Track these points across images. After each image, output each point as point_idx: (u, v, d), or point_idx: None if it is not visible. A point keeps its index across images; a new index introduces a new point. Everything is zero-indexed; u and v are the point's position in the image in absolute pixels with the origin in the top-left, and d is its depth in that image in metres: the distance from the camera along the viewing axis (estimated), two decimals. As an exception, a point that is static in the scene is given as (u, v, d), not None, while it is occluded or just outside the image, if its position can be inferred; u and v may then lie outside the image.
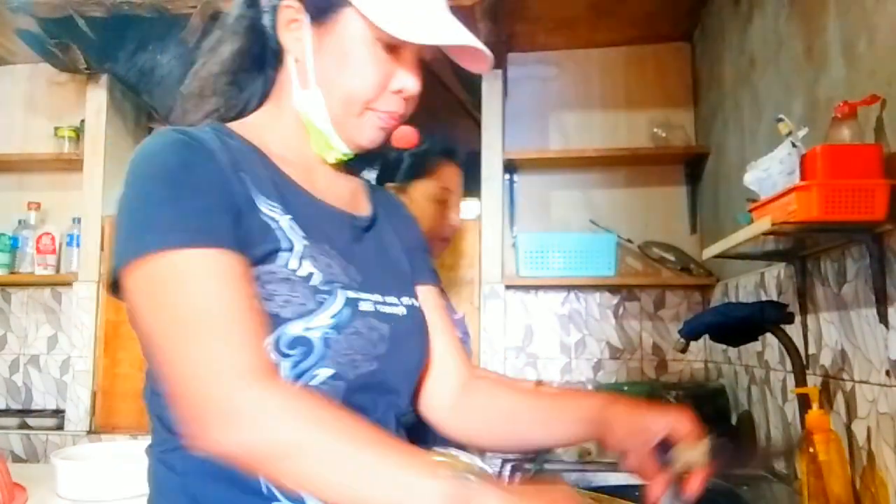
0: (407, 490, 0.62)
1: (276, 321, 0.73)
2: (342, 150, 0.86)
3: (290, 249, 0.76)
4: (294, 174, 0.84)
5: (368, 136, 0.84)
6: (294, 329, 0.73)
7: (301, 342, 0.74)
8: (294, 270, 0.75)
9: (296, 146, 0.86)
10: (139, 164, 0.75)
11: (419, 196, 1.64)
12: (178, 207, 0.71)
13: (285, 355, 0.73)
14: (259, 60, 0.88)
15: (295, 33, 0.83)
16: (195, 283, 0.68)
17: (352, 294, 0.79)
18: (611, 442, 0.82)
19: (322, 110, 0.83)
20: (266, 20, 0.85)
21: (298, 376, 0.74)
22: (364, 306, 0.80)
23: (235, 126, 0.84)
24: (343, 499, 0.64)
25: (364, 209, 0.93)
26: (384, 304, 0.84)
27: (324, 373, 0.75)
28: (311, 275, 0.76)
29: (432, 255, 1.72)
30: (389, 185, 1.64)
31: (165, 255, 0.68)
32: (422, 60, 0.85)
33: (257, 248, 0.74)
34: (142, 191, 0.73)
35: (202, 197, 0.72)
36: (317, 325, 0.74)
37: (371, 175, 1.69)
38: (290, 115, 0.85)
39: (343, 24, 0.81)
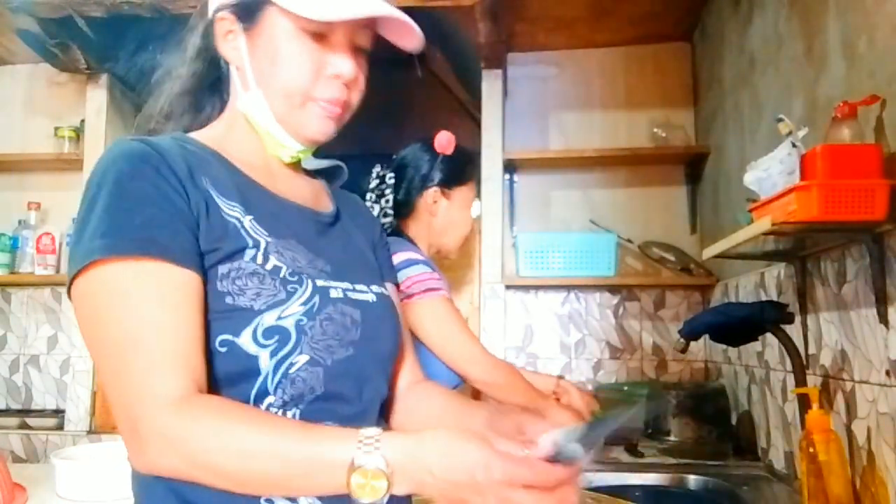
0: (320, 462, 0.65)
1: (250, 314, 0.75)
2: (294, 147, 0.88)
3: (256, 246, 0.79)
4: (255, 176, 0.87)
5: (315, 127, 0.86)
6: (268, 319, 0.76)
7: (276, 331, 0.76)
8: (261, 265, 0.78)
9: (253, 150, 0.88)
10: (94, 175, 0.77)
11: (460, 201, 1.68)
12: (119, 218, 0.72)
13: (263, 346, 0.76)
14: (215, 81, 0.92)
15: (232, 43, 0.86)
16: (130, 300, 0.71)
17: (321, 282, 0.82)
18: None
19: (265, 110, 0.85)
20: (216, 41, 0.89)
21: (278, 365, 0.76)
22: (334, 293, 0.83)
23: (195, 135, 0.88)
24: (274, 489, 0.70)
25: (326, 207, 0.96)
26: (354, 290, 0.86)
27: (301, 359, 0.78)
28: (277, 268, 0.79)
29: (451, 255, 1.75)
30: (433, 189, 1.65)
31: (103, 266, 0.71)
32: (360, 48, 0.86)
33: (223, 247, 0.77)
34: (91, 202, 0.75)
35: (148, 207, 0.74)
36: (289, 314, 0.77)
37: (388, 173, 1.70)
38: (242, 122, 0.88)
39: (268, 22, 0.83)
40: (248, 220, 0.80)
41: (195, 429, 0.67)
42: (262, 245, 0.79)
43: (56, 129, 2.81)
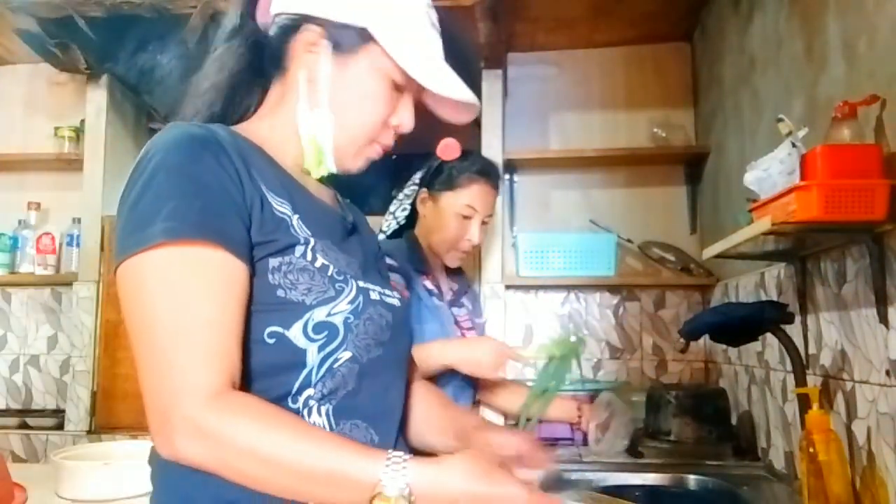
0: (346, 477, 0.66)
1: (302, 308, 0.77)
2: (329, 169, 0.91)
3: (306, 244, 0.81)
4: (294, 175, 0.89)
5: (359, 164, 0.91)
6: (319, 315, 0.78)
7: (326, 327, 0.78)
8: (311, 262, 0.80)
9: (291, 155, 0.90)
10: (151, 155, 0.77)
11: (444, 207, 1.69)
12: (180, 202, 0.73)
13: (313, 340, 0.78)
14: (258, 72, 0.93)
15: (314, 56, 0.86)
16: (182, 288, 0.71)
17: (361, 283, 0.84)
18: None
19: (328, 134, 0.87)
20: (273, 33, 0.89)
21: (324, 360, 0.79)
22: (373, 295, 0.86)
23: (237, 129, 0.88)
24: (294, 494, 0.69)
25: (345, 213, 0.98)
26: (385, 294, 0.89)
27: (345, 356, 0.80)
28: (325, 266, 0.81)
29: (445, 262, 1.76)
30: (422, 190, 1.70)
31: (160, 250, 0.71)
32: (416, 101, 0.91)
33: (275, 241, 0.78)
34: (148, 182, 0.75)
35: (207, 194, 0.74)
36: (338, 311, 0.79)
37: (416, 176, 1.77)
38: (289, 128, 0.89)
39: (364, 59, 0.85)
40: (295, 219, 0.82)
41: (229, 425, 0.67)
42: (311, 244, 0.81)
43: (56, 129, 2.82)
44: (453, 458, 0.69)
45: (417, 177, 1.77)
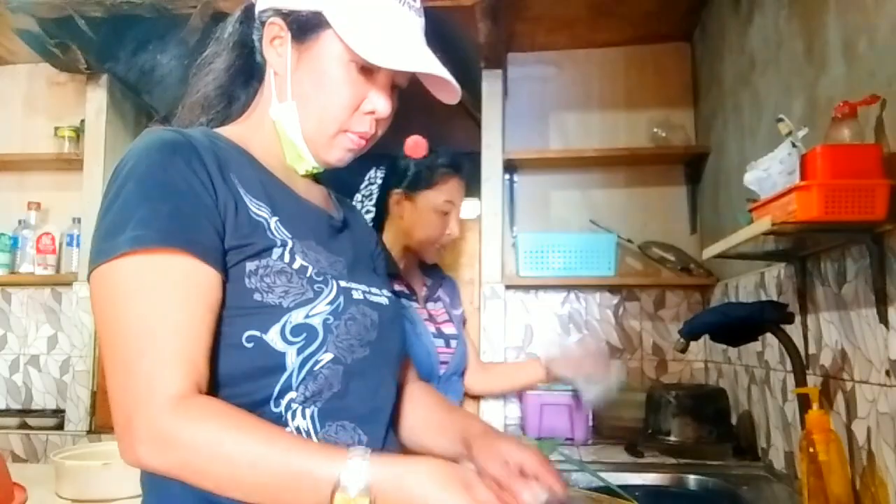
0: (308, 477, 0.65)
1: (279, 311, 0.77)
2: (310, 164, 0.89)
3: (283, 246, 0.80)
4: (279, 175, 0.88)
5: (337, 155, 0.88)
6: (297, 317, 0.77)
7: (304, 329, 0.78)
8: (288, 264, 0.79)
9: (275, 154, 0.90)
10: (125, 162, 0.77)
11: (424, 205, 1.69)
12: (148, 210, 0.72)
13: (291, 343, 0.77)
14: (247, 75, 0.93)
15: (278, 49, 0.87)
16: (150, 294, 0.71)
17: (343, 283, 0.83)
18: (474, 461, 0.93)
19: (295, 123, 0.86)
20: (255, 36, 0.91)
21: (304, 362, 0.78)
22: (355, 294, 0.85)
23: (221, 131, 0.88)
24: (259, 497, 0.68)
25: (335, 211, 0.97)
26: (371, 293, 0.88)
27: (325, 357, 0.79)
28: (304, 267, 0.80)
29: (426, 259, 1.76)
30: (396, 191, 1.68)
31: (128, 258, 0.71)
32: (396, 86, 0.89)
33: (251, 244, 0.78)
34: (119, 190, 0.75)
35: (176, 200, 0.74)
36: (317, 312, 0.79)
37: (378, 174, 1.75)
38: (270, 126, 0.89)
39: (322, 45, 0.84)
40: (273, 221, 0.81)
41: (189, 430, 0.67)
42: (289, 245, 0.80)
43: (56, 129, 2.82)
44: (419, 460, 0.68)
45: (376, 178, 1.75)
